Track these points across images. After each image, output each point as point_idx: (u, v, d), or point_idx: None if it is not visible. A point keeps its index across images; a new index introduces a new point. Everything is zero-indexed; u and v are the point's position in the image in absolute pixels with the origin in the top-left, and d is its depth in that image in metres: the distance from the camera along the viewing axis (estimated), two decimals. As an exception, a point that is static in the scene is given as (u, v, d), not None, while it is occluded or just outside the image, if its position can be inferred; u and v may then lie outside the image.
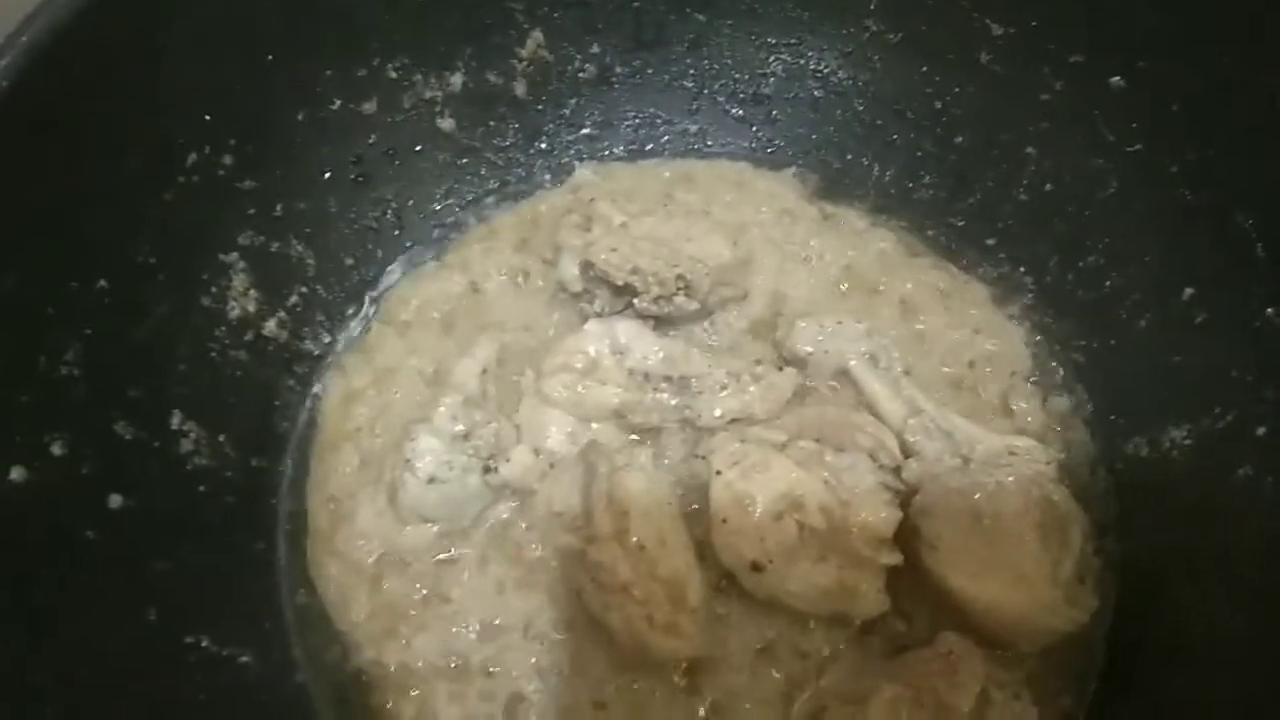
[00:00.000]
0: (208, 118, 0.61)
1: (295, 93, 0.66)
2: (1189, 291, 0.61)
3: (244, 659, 0.58)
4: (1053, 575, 0.56)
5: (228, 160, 0.63)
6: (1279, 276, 0.56)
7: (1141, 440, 0.64)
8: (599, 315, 0.67)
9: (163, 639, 0.55)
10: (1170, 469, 0.61)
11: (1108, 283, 0.67)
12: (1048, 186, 0.70)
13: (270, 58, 0.63)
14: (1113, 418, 0.66)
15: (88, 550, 0.53)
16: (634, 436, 0.65)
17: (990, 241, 0.73)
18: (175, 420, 0.60)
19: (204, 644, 0.56)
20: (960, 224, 0.74)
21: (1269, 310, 0.56)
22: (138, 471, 0.57)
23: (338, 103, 0.68)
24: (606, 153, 0.78)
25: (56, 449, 0.53)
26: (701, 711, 0.58)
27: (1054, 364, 0.69)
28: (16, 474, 0.50)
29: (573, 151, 0.78)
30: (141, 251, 0.59)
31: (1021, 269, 0.72)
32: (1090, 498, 0.63)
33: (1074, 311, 0.69)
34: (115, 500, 0.55)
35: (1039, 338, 0.70)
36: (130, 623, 0.54)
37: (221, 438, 0.63)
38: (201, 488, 0.61)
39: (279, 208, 0.67)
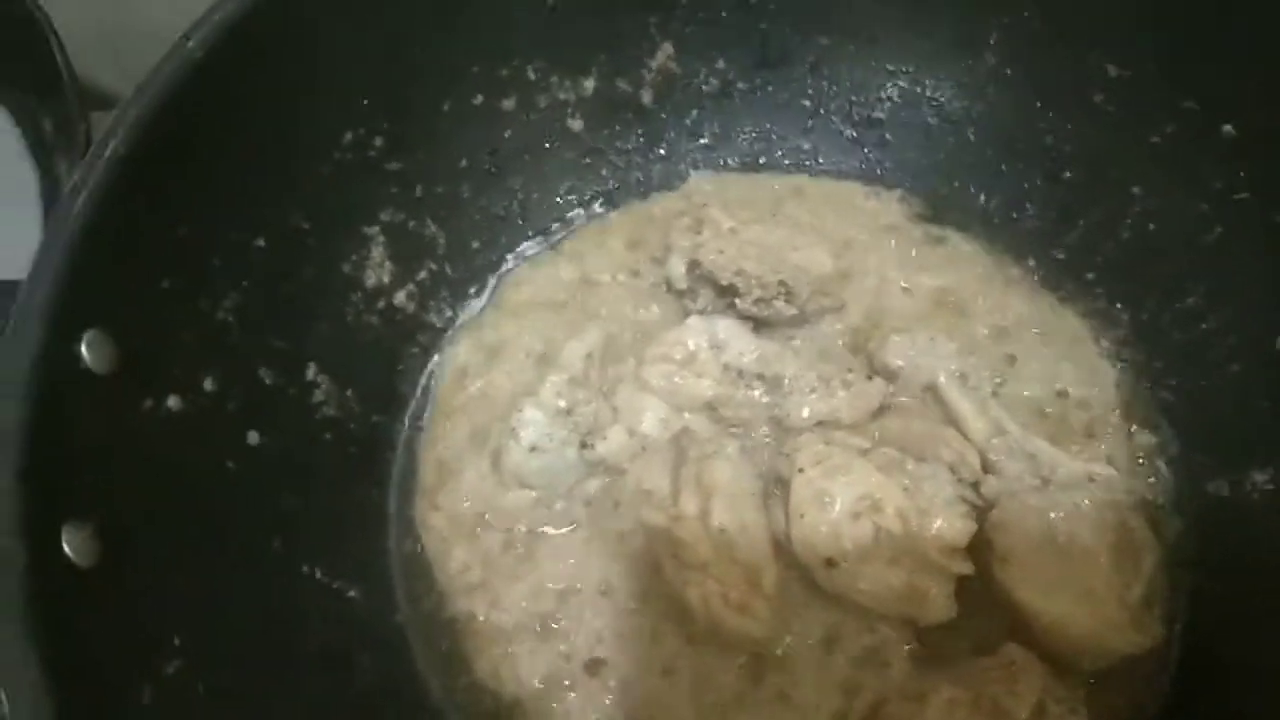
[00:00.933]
0: (365, 102, 0.67)
1: (443, 86, 0.71)
2: (1284, 340, 0.62)
3: (351, 593, 0.64)
4: (1121, 597, 0.58)
5: (378, 142, 0.69)
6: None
7: (1223, 481, 0.64)
8: (701, 312, 0.71)
9: (284, 566, 0.61)
10: (1250, 510, 0.62)
11: (1203, 325, 0.68)
12: (1151, 226, 0.71)
13: (424, 52, 0.69)
14: (1196, 456, 0.67)
15: (227, 480, 0.60)
16: (724, 428, 0.69)
17: (1090, 275, 0.74)
18: (310, 372, 0.66)
19: (318, 575, 0.63)
20: (1061, 256, 0.76)
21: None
22: (274, 414, 0.63)
23: (480, 98, 0.73)
24: (721, 162, 0.82)
25: (208, 384, 0.59)
26: (763, 692, 0.61)
27: (1143, 400, 0.70)
28: (173, 402, 0.56)
29: (689, 159, 0.82)
30: (296, 217, 0.65)
31: (1118, 305, 0.73)
32: (1167, 531, 0.64)
33: (1167, 350, 0.70)
34: (253, 437, 0.62)
35: (1130, 373, 0.71)
36: (258, 549, 0.60)
37: (349, 392, 0.69)
38: (327, 435, 0.67)
39: (419, 189, 0.73)
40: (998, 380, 0.70)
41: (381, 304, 0.72)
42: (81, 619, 0.45)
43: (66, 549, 0.46)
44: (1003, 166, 0.77)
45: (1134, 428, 0.69)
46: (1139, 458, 0.68)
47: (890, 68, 0.78)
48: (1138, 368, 0.71)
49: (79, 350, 0.50)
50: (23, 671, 0.42)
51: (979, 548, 0.61)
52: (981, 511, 0.62)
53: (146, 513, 0.53)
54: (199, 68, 0.56)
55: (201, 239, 0.59)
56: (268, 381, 0.63)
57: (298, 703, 0.58)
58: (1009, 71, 0.74)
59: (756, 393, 0.68)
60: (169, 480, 0.56)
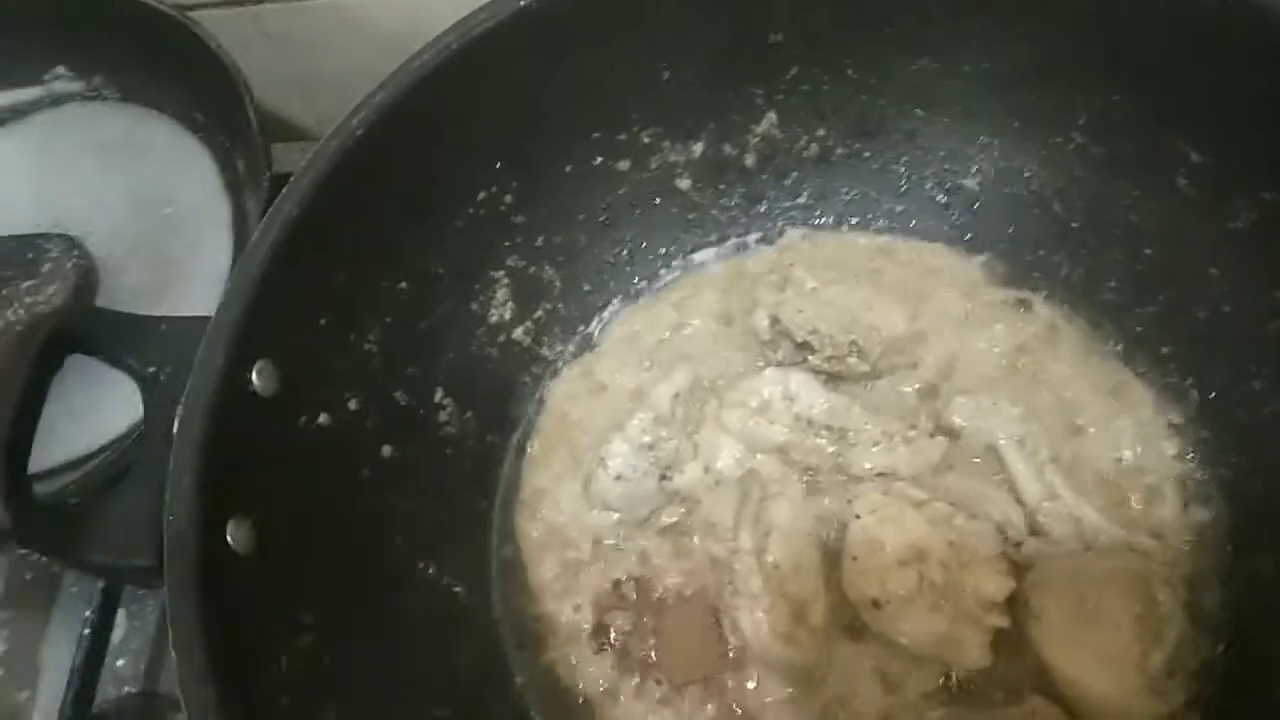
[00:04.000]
0: (497, 165, 0.78)
1: (566, 149, 0.81)
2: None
3: (457, 589, 0.75)
4: (1140, 664, 0.62)
5: (508, 199, 0.79)
6: None
7: (1267, 559, 0.67)
8: (779, 364, 0.78)
9: (402, 561, 0.73)
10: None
11: (1267, 408, 0.70)
12: (1226, 309, 0.73)
13: (551, 122, 0.78)
14: (1246, 534, 0.69)
15: (362, 486, 0.71)
16: (791, 472, 0.75)
17: (1165, 350, 0.77)
18: (438, 395, 0.78)
19: (430, 571, 0.74)
20: (1138, 329, 0.78)
21: None
22: (406, 431, 0.75)
23: (599, 159, 0.82)
24: (816, 221, 0.89)
25: (353, 404, 0.70)
26: (803, 715, 0.68)
27: (1202, 476, 0.73)
28: (323, 419, 0.68)
29: (787, 217, 0.89)
30: (434, 264, 0.76)
31: (1189, 381, 0.75)
32: (1203, 605, 0.67)
33: (1231, 429, 0.72)
34: (387, 450, 0.73)
35: (1193, 449, 0.74)
36: (381, 545, 0.72)
37: (469, 414, 0.79)
38: (448, 450, 0.78)
39: (540, 239, 0.83)
40: (1058, 446, 0.74)
41: (502, 338, 0.83)
42: (237, 596, 0.56)
43: (230, 539, 0.57)
44: (1086, 239, 0.81)
45: (1190, 503, 0.72)
46: (1189, 534, 0.70)
47: (983, 140, 0.82)
48: (1202, 444, 0.74)
49: (251, 377, 0.62)
50: (191, 632, 0.53)
51: (1017, 603, 0.66)
52: (1021, 570, 0.67)
53: (295, 511, 0.64)
54: (359, 143, 0.67)
55: (355, 284, 0.70)
56: (402, 403, 0.75)
57: (406, 675, 0.69)
58: (1096, 151, 0.78)
59: (823, 441, 0.74)
60: (315, 484, 0.68)
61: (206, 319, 0.63)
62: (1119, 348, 0.79)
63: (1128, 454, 0.74)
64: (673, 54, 0.79)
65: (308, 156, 0.67)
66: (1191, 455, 0.74)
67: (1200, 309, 0.75)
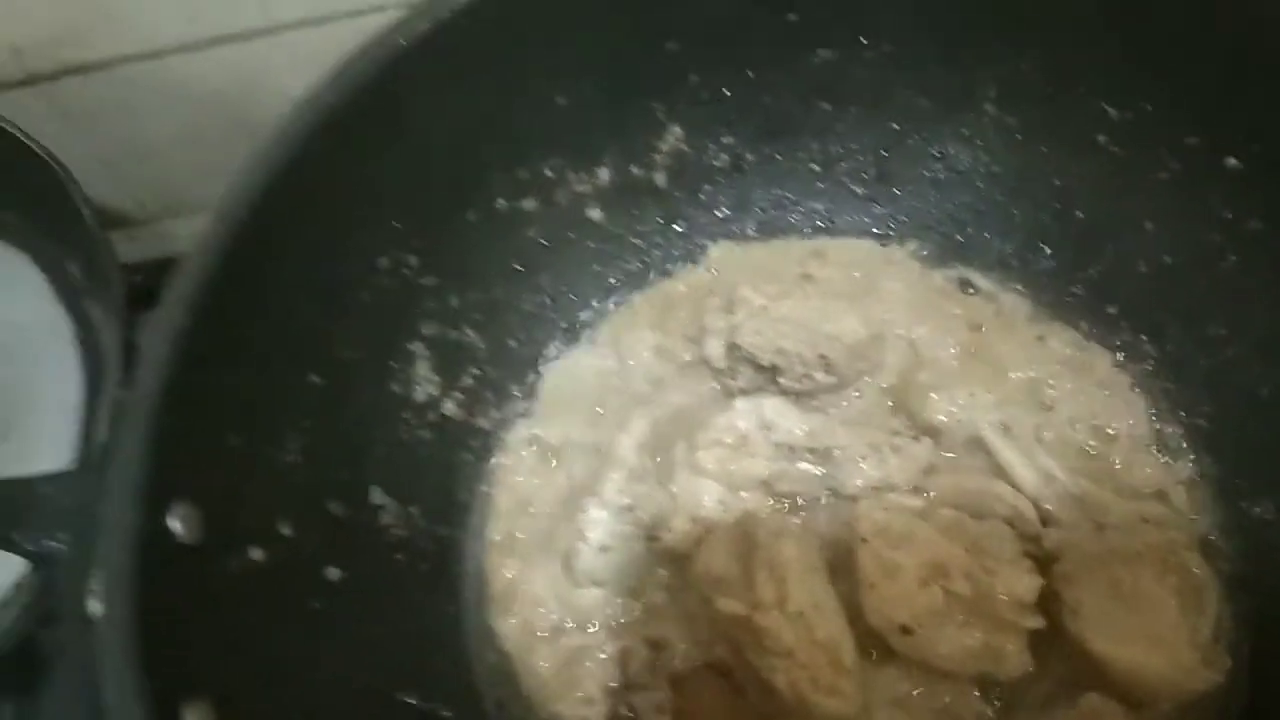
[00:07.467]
0: (396, 225, 0.69)
1: (466, 196, 0.73)
2: (1309, 360, 0.65)
3: (445, 713, 0.65)
4: (1191, 639, 0.60)
5: (412, 261, 0.70)
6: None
7: (1268, 503, 0.67)
8: (743, 391, 0.73)
9: (377, 697, 0.63)
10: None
11: (1228, 351, 0.71)
12: (1167, 259, 0.73)
13: (447, 170, 0.70)
14: (1237, 482, 0.69)
15: (314, 619, 0.61)
16: (781, 503, 0.70)
17: (1111, 310, 0.77)
18: (375, 496, 0.68)
19: (411, 701, 0.64)
20: (1080, 293, 0.78)
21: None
22: (348, 545, 0.65)
23: (502, 202, 0.75)
24: (739, 232, 0.84)
25: (285, 530, 0.60)
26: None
27: (1178, 429, 0.72)
28: (255, 554, 0.58)
29: (708, 232, 0.84)
30: (344, 348, 0.66)
31: (1143, 337, 0.75)
32: (1219, 560, 0.67)
33: (1196, 379, 0.73)
34: (333, 573, 0.63)
35: (1163, 404, 0.74)
36: (349, 682, 0.62)
37: (413, 509, 0.70)
38: (399, 556, 0.69)
39: (454, 300, 0.74)
40: (1038, 426, 0.72)
41: (431, 416, 0.73)
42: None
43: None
44: (1014, 211, 0.79)
45: (1174, 459, 0.71)
46: (1181, 490, 0.70)
47: (895, 127, 0.80)
48: (1170, 398, 0.74)
49: (171, 525, 0.51)
50: None
51: (1047, 599, 0.63)
52: (1045, 564, 0.65)
53: (249, 670, 0.54)
54: (246, 227, 0.57)
55: (262, 390, 0.60)
56: (338, 514, 0.65)
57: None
58: (1010, 120, 0.76)
59: (809, 465, 0.70)
60: (264, 633, 0.57)
61: (96, 468, 0.52)
62: (1067, 314, 0.78)
63: (1100, 421, 0.73)
64: (565, 75, 0.72)
65: (184, 246, 0.57)
66: (1160, 412, 0.74)
67: (1141, 264, 0.75)
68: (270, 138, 0.59)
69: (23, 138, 0.79)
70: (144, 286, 0.76)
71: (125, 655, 0.47)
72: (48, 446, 0.79)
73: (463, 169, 0.71)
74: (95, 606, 0.48)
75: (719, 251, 0.83)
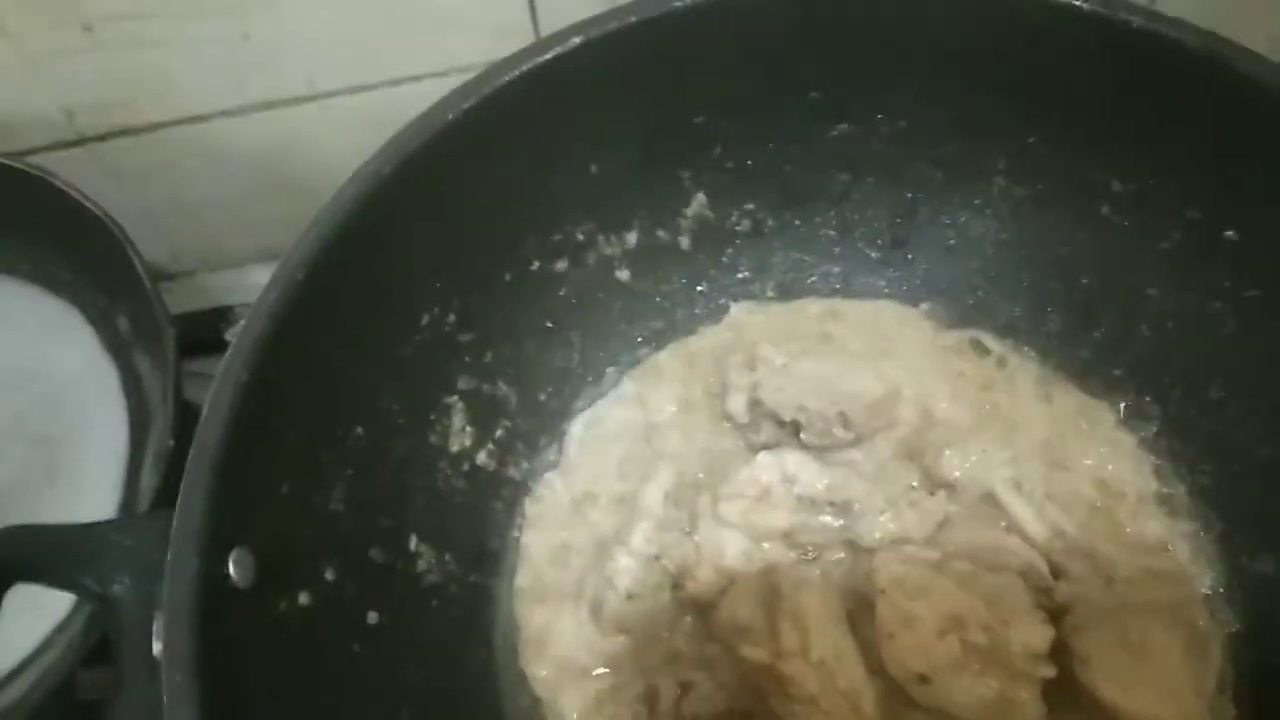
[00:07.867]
0: (437, 285, 0.72)
1: (504, 259, 0.77)
2: (1306, 425, 0.68)
3: (479, 757, 0.68)
4: (1197, 689, 0.62)
5: (451, 318, 0.74)
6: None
7: (1268, 558, 0.70)
8: (766, 446, 0.76)
9: (415, 739, 0.65)
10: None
11: (1228, 413, 0.74)
12: (1169, 325, 0.77)
13: (486, 233, 0.74)
14: (1238, 538, 0.72)
15: (355, 663, 0.63)
16: (802, 554, 0.73)
17: (1117, 372, 0.80)
18: (412, 543, 0.71)
19: (447, 746, 0.66)
20: (1087, 355, 0.81)
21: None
22: (388, 590, 0.67)
23: (537, 263, 0.79)
24: (759, 292, 0.88)
25: (329, 574, 0.63)
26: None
27: (1182, 487, 0.75)
28: (303, 598, 0.60)
29: (729, 292, 0.88)
30: (386, 401, 0.70)
31: (1147, 398, 0.78)
32: (1222, 612, 0.69)
33: (1199, 439, 0.76)
34: (373, 617, 0.65)
35: (1167, 462, 0.77)
36: (389, 725, 0.64)
37: (448, 556, 0.73)
38: (434, 602, 0.71)
39: (489, 355, 0.78)
40: (1048, 482, 0.75)
41: (466, 466, 0.77)
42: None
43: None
44: (1023, 276, 0.83)
45: (1177, 516, 0.74)
46: (1185, 545, 0.73)
47: (909, 195, 0.84)
48: (1175, 456, 0.77)
49: (228, 571, 0.54)
50: None
51: (1059, 650, 0.66)
52: (1057, 615, 0.67)
53: (290, 708, 0.57)
54: (301, 288, 0.60)
55: (310, 441, 0.63)
56: (379, 560, 0.68)
57: None
58: (1018, 192, 0.81)
59: (829, 518, 0.73)
60: (305, 671, 0.60)
61: (159, 515, 0.55)
62: (1073, 376, 0.81)
63: (1106, 478, 0.76)
64: (599, 147, 0.77)
65: (245, 308, 0.61)
66: (1164, 469, 0.77)
67: (1144, 328, 0.79)
68: (325, 207, 0.64)
69: (77, 196, 0.82)
70: (179, 336, 0.80)
71: (185, 694, 0.49)
72: (92, 492, 0.82)
73: (500, 232, 0.76)
74: (158, 647, 0.51)
75: (740, 311, 0.87)
